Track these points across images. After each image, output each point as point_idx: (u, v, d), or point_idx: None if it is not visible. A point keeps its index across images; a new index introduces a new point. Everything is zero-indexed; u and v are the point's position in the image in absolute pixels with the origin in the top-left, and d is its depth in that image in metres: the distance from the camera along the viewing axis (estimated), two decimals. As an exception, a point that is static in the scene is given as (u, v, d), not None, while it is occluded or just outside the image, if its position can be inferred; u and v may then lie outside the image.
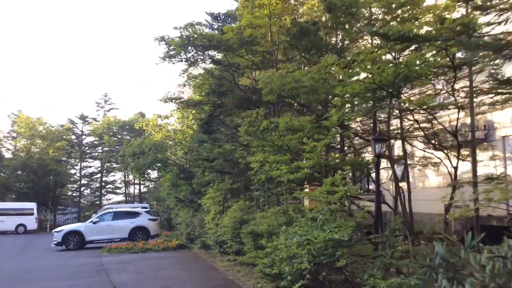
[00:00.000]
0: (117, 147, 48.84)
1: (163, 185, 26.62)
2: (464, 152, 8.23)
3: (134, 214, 20.91)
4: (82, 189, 50.41)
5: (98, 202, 52.29)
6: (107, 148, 50.40)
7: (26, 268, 13.62)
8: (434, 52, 7.32)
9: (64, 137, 46.00)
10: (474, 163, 7.54)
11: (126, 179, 51.31)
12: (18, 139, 41.25)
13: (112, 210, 21.97)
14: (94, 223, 19.99)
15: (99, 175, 52.26)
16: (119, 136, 49.61)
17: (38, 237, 28.73)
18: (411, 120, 8.77)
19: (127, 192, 51.75)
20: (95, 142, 51.62)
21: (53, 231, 20.28)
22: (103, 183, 52.27)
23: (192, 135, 20.64)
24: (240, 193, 14.93)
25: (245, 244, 10.96)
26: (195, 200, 20.46)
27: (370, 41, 9.95)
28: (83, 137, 51.82)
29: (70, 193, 49.36)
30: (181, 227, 25.26)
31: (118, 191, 54.58)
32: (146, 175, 21.50)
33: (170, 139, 22.02)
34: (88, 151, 51.17)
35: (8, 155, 43.86)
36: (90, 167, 52.44)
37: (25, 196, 36.18)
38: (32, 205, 33.28)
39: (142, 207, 29.57)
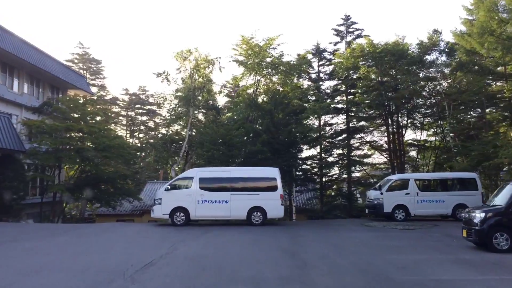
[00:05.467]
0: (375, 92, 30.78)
1: None
2: None
3: None
4: (322, 155, 34.33)
5: (345, 176, 35.57)
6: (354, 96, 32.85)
7: None
8: None
9: (298, 75, 30.40)
10: None
11: (391, 136, 32.78)
12: (242, 74, 26.91)
13: None
14: None
15: (343, 135, 35.41)
16: (376, 69, 31.33)
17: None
18: None
19: (392, 157, 33.22)
20: (338, 88, 34.77)
21: None
22: (351, 148, 35.17)
23: None
24: None
25: None
26: None
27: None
28: (320, 82, 35.62)
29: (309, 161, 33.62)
30: None
31: (366, 160, 36.79)
32: None
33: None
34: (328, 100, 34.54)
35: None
36: (331, 124, 36.06)
37: (265, 160, 21.37)
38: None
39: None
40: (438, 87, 31.87)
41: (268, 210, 17.21)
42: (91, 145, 25.61)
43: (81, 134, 27.11)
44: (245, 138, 24.06)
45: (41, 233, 14.36)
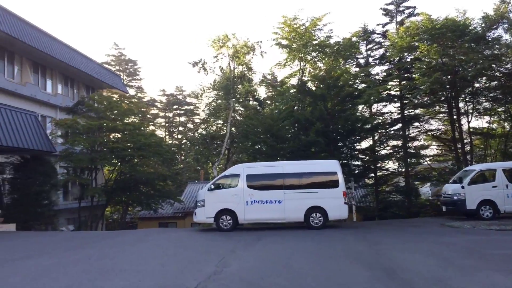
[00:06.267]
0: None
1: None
2: None
3: None
4: (377, 147, 31.05)
5: (401, 169, 32.22)
6: (410, 81, 29.30)
7: None
8: None
9: (345, 59, 27.34)
10: None
11: (455, 124, 28.97)
12: (286, 60, 24.18)
13: None
14: None
15: (398, 125, 31.98)
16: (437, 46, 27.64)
17: None
18: None
19: (457, 146, 29.43)
20: (391, 72, 31.34)
21: None
22: (407, 139, 31.67)
23: None
24: None
25: None
26: None
27: None
28: (370, 68, 32.31)
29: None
30: None
31: (422, 152, 33.18)
32: None
33: None
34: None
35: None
36: (384, 113, 32.68)
37: (319, 153, 18.58)
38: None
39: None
40: (508, 65, 27.86)
41: (329, 210, 14.53)
42: (127, 144, 23.84)
43: (117, 134, 25.47)
44: (294, 128, 21.39)
45: (69, 244, 12.37)
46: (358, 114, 24.47)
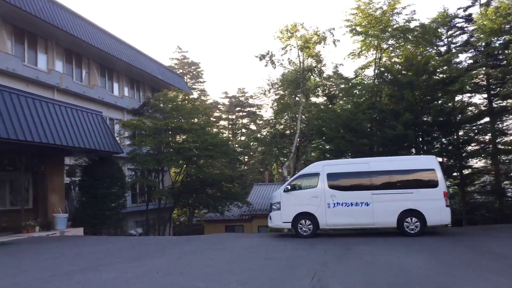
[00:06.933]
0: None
1: None
2: None
3: None
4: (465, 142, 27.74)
5: (490, 167, 28.62)
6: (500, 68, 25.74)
7: None
8: None
9: (424, 46, 24.39)
10: None
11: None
12: (361, 48, 21.99)
13: None
14: None
15: (485, 119, 28.34)
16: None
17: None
18: None
19: None
20: (478, 59, 27.88)
21: None
22: (496, 133, 27.96)
23: None
24: None
25: None
26: None
27: None
28: (454, 55, 28.99)
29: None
30: None
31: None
32: None
33: None
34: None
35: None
36: (469, 105, 29.21)
37: (405, 148, 16.40)
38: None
39: None
40: None
41: (428, 214, 12.30)
42: (193, 144, 22.95)
43: (183, 136, 24.74)
44: (372, 122, 19.15)
45: (135, 252, 11.28)
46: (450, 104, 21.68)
